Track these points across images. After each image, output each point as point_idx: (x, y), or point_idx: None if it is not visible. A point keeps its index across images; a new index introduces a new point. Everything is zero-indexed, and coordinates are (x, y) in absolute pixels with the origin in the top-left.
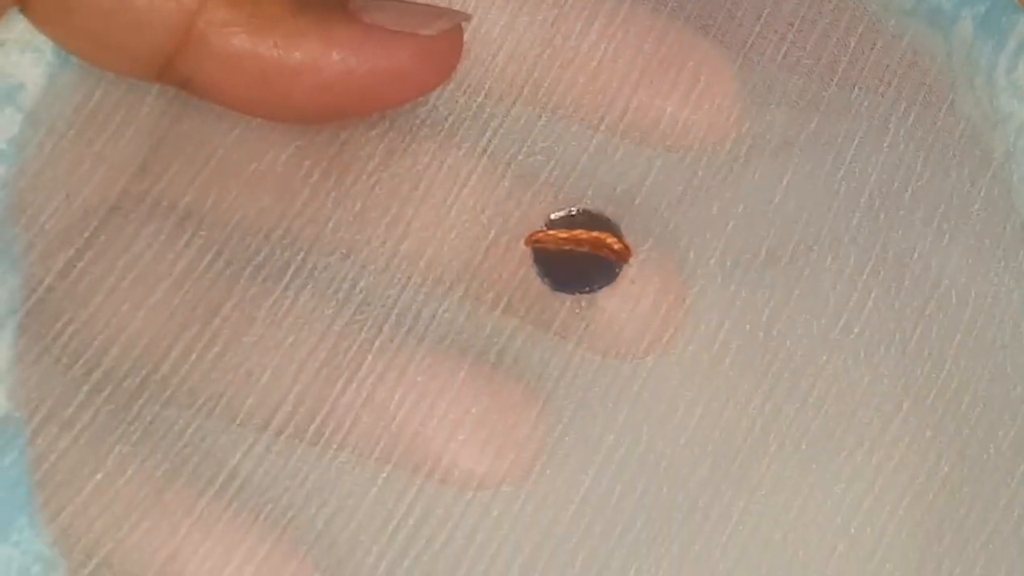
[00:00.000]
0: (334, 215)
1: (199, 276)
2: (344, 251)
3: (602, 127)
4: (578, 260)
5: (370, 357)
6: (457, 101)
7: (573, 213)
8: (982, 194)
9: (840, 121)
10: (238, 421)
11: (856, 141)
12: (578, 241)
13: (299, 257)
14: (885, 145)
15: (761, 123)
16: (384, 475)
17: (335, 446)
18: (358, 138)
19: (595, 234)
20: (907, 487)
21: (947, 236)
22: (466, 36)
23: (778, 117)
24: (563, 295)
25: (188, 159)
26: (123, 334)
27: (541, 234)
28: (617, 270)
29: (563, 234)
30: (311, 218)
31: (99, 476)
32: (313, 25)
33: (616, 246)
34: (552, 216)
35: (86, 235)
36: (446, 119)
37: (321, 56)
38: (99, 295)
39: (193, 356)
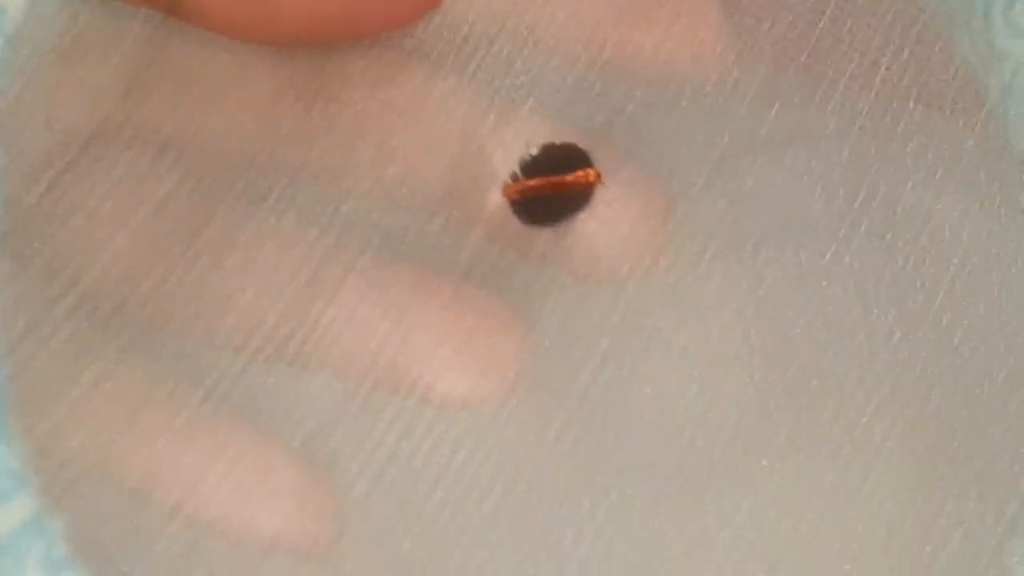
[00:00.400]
0: (319, 142)
1: (180, 201)
2: (329, 177)
3: (583, 60)
4: (553, 197)
5: (352, 276)
6: (442, 34)
7: (536, 154)
8: (976, 131)
9: (829, 57)
10: (217, 342)
11: (846, 76)
12: (548, 184)
13: (282, 182)
14: (877, 80)
15: (746, 59)
16: (363, 393)
17: (314, 365)
18: (346, 68)
19: (565, 177)
20: (897, 417)
21: (939, 171)
22: None
23: (765, 53)
24: (540, 228)
25: (172, 87)
26: (102, 255)
27: (513, 187)
28: (590, 195)
29: (534, 182)
30: (295, 145)
31: (75, 393)
32: None
33: (588, 178)
34: (531, 151)
35: (67, 159)
36: (432, 50)
37: None
38: (79, 217)
39: (173, 278)
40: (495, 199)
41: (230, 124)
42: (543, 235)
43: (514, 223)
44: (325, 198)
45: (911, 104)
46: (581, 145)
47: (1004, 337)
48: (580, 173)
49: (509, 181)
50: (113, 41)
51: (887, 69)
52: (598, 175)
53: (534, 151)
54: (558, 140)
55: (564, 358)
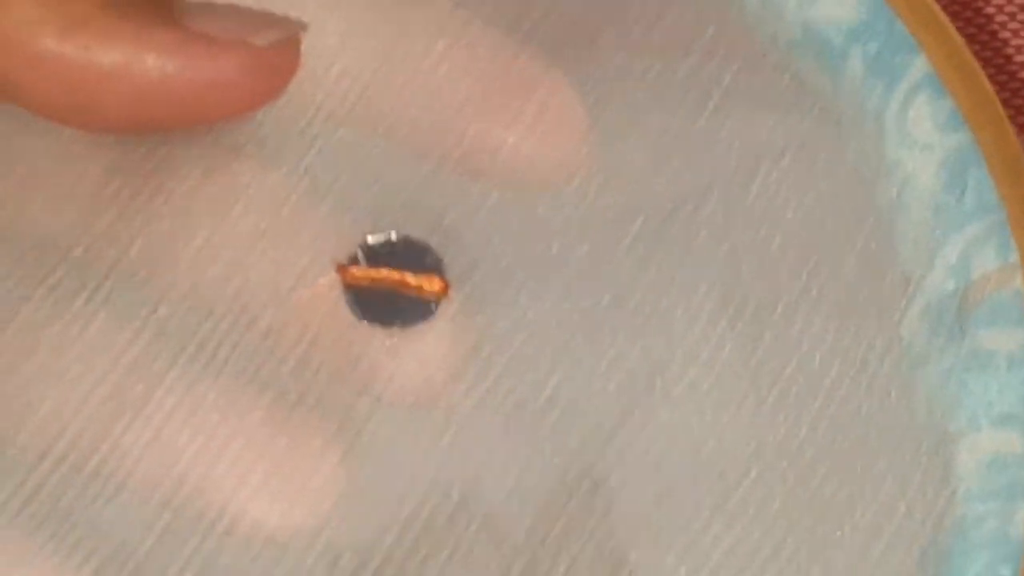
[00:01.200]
0: (140, 236)
1: None
2: (147, 275)
3: (436, 153)
4: (391, 292)
5: (160, 392)
6: (284, 118)
7: (392, 239)
8: (859, 246)
9: (705, 161)
10: (11, 452)
11: (721, 183)
12: (390, 279)
13: (98, 278)
14: (754, 187)
15: (615, 160)
16: (164, 522)
17: (114, 486)
18: (176, 154)
19: (408, 275)
20: (748, 561)
21: (815, 290)
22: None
23: (636, 154)
24: (374, 327)
25: None
26: None
27: (354, 268)
28: (433, 307)
29: (374, 272)
30: (115, 238)
31: None
32: (128, 26)
33: (433, 287)
34: (369, 239)
35: None
36: (271, 137)
37: (134, 60)
38: None
39: None
40: (325, 293)
41: (50, 211)
42: (375, 339)
43: (345, 318)
44: (140, 299)
45: (788, 216)
46: (429, 244)
47: (871, 478)
48: (426, 280)
49: (347, 264)
50: None
51: (766, 176)
52: (445, 287)
53: (377, 238)
54: (395, 235)
55: (387, 487)
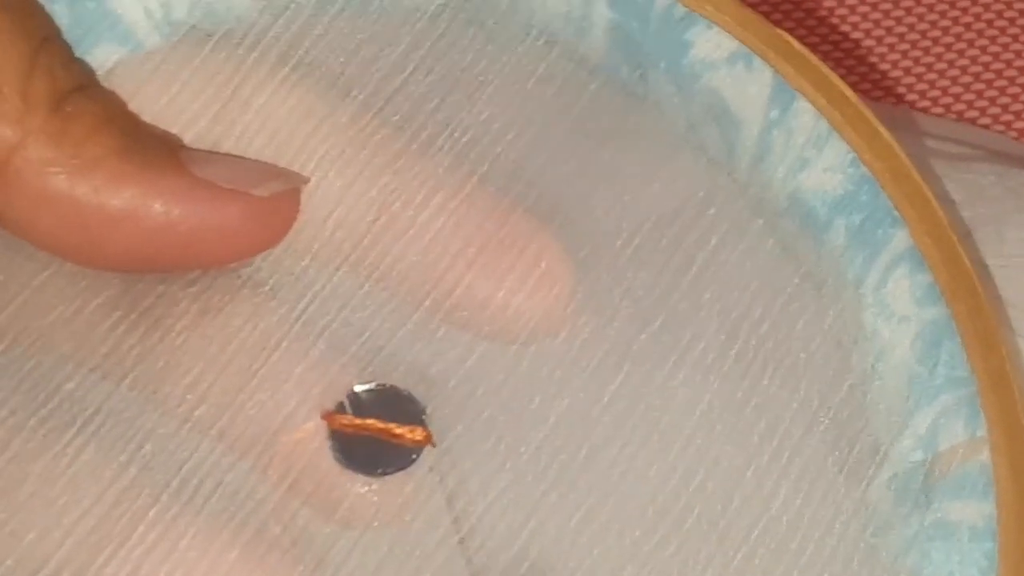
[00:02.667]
0: (133, 371)
1: None
2: (136, 410)
3: (426, 303)
4: (374, 440)
5: (142, 527)
6: (281, 263)
7: (376, 388)
8: (832, 412)
9: (686, 324)
10: None
11: (701, 346)
12: (374, 428)
13: (87, 412)
14: (732, 353)
15: (600, 318)
16: None
17: None
18: (175, 293)
19: (392, 426)
20: None
21: (786, 456)
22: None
23: (620, 313)
24: (356, 474)
25: None
26: None
27: (340, 416)
28: (414, 456)
29: (359, 421)
30: (108, 372)
31: None
32: (137, 171)
33: (416, 436)
34: (356, 388)
35: None
36: (267, 280)
37: (142, 204)
38: None
39: None
40: (310, 438)
41: (46, 342)
42: (355, 486)
43: (328, 463)
44: (129, 434)
45: (766, 381)
46: (415, 393)
47: None
48: (408, 430)
49: (333, 411)
50: None
51: (745, 340)
52: (427, 437)
53: (364, 387)
54: (390, 383)
55: None
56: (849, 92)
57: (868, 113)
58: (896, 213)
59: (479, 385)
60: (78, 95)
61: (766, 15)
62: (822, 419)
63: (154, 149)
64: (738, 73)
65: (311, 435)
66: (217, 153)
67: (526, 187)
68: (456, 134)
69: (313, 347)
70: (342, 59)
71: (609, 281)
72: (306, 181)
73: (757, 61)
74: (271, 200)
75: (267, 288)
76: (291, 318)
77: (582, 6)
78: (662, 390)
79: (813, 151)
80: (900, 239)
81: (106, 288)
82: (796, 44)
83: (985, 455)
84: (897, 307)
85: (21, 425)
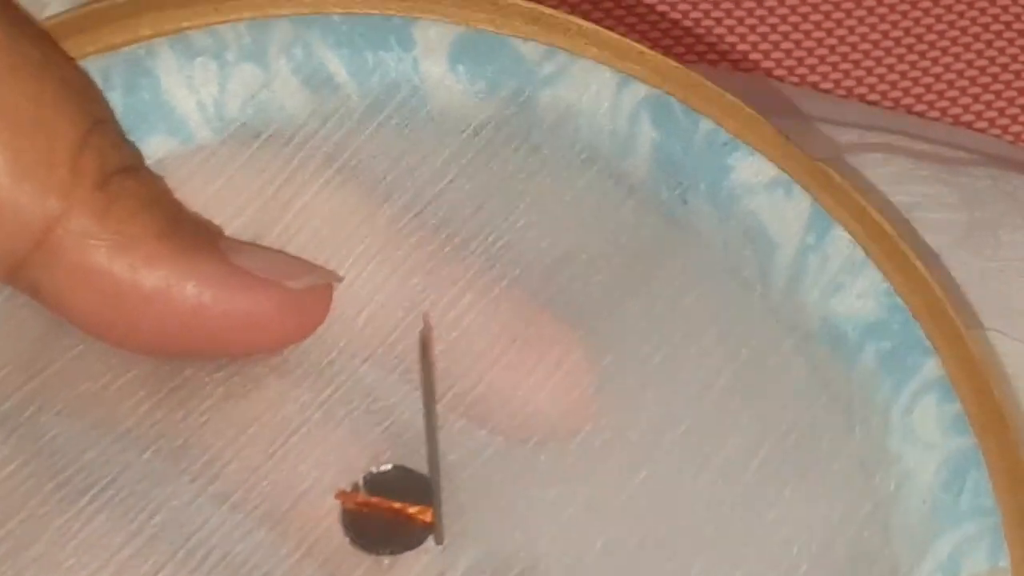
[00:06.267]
0: (153, 445)
1: None
2: (152, 482)
3: (450, 394)
4: (386, 521)
5: None
6: (309, 354)
7: (391, 471)
8: (852, 532)
9: (711, 433)
10: None
11: (724, 455)
12: (385, 507)
13: (104, 481)
14: (754, 465)
15: (623, 419)
16: None
17: None
18: (201, 376)
19: (405, 506)
20: None
21: (803, 569)
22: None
23: (643, 417)
24: (364, 553)
25: (21, 365)
26: None
27: (352, 495)
28: (424, 537)
29: (373, 501)
30: (128, 446)
31: None
32: (175, 252)
33: (426, 517)
34: (372, 470)
35: None
36: (294, 370)
37: (175, 285)
38: None
39: None
40: (324, 514)
41: (71, 413)
42: (364, 563)
43: (338, 541)
44: (141, 504)
45: (788, 493)
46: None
47: None
48: (419, 510)
49: (347, 490)
50: None
51: (768, 456)
52: (435, 518)
53: (380, 469)
54: (393, 467)
55: None
56: (887, 225)
57: (904, 246)
58: (927, 343)
59: (495, 475)
60: (125, 176)
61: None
62: (842, 536)
63: (194, 235)
64: (777, 198)
65: (324, 514)
66: (255, 245)
67: (555, 293)
68: (491, 239)
69: (333, 432)
70: (385, 164)
71: (635, 386)
72: (340, 279)
73: (797, 188)
74: (304, 293)
75: (292, 377)
76: (314, 405)
77: (627, 126)
78: (682, 492)
79: (847, 277)
80: (930, 368)
81: (135, 367)
82: (836, 176)
83: None
84: (923, 434)
85: (39, 488)
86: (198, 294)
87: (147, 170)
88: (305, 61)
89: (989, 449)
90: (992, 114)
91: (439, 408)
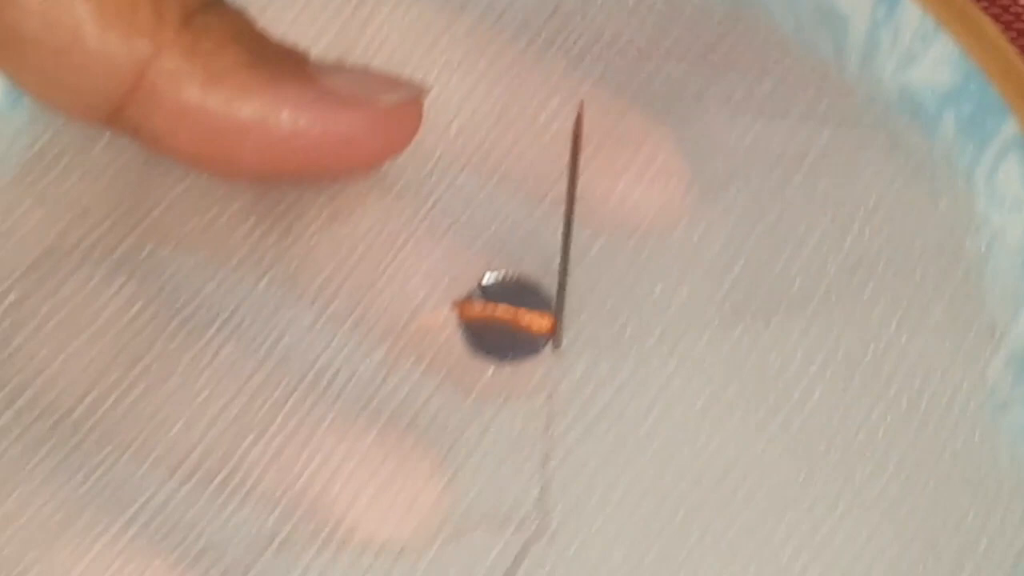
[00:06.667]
0: (268, 273)
1: (124, 326)
2: (272, 308)
3: (547, 200)
4: (504, 328)
5: (281, 416)
6: (406, 169)
7: (504, 279)
8: (948, 295)
9: (802, 213)
10: (144, 467)
11: (817, 234)
12: (504, 316)
13: (226, 312)
14: (848, 239)
15: (717, 209)
16: (282, 536)
17: (238, 500)
18: (305, 200)
19: (521, 312)
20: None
21: (905, 336)
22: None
23: (737, 204)
24: (486, 361)
25: (130, 208)
26: (39, 378)
27: (469, 304)
28: (542, 343)
29: (491, 307)
30: (245, 275)
31: (2, 509)
32: (265, 81)
33: (543, 324)
34: (485, 279)
35: (16, 275)
36: (394, 185)
37: (270, 114)
38: (20, 336)
39: (108, 403)
40: (441, 327)
41: (185, 249)
42: (485, 375)
43: (458, 352)
44: (265, 331)
45: (880, 268)
46: (541, 284)
47: (953, 513)
48: (536, 317)
49: (463, 299)
50: (76, 159)
51: (859, 231)
52: (554, 325)
53: (493, 277)
54: (508, 274)
55: (492, 508)
56: None
57: (974, 9)
58: (1004, 103)
59: (602, 275)
60: (207, 11)
61: None
62: (938, 303)
63: (281, 62)
64: None
65: (442, 325)
66: (343, 65)
67: (639, 88)
68: (571, 40)
69: (440, 243)
70: None
71: (724, 176)
72: (429, 90)
73: None
74: (396, 109)
75: (394, 192)
76: (417, 218)
77: None
78: (779, 278)
79: (921, 46)
80: (1009, 128)
81: (240, 197)
82: None
83: None
84: (1008, 194)
85: (164, 326)
86: (293, 119)
87: (227, 4)
88: None
89: None
90: None
91: (541, 212)
